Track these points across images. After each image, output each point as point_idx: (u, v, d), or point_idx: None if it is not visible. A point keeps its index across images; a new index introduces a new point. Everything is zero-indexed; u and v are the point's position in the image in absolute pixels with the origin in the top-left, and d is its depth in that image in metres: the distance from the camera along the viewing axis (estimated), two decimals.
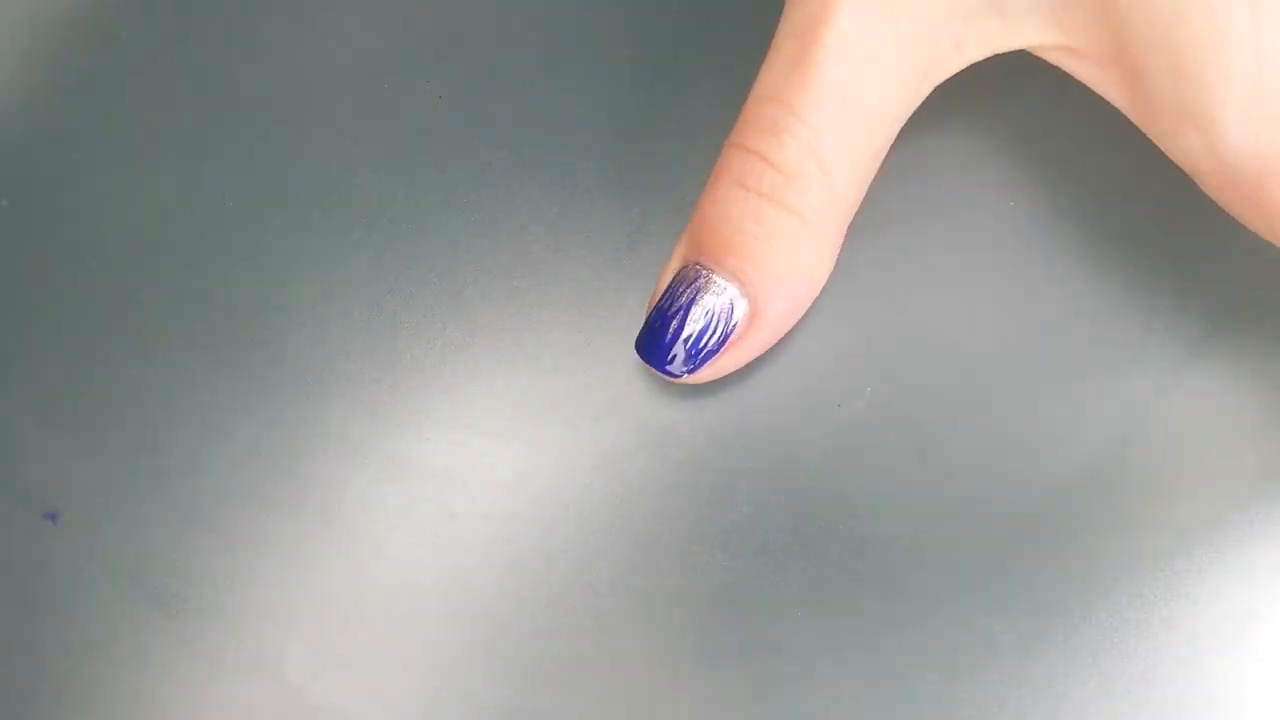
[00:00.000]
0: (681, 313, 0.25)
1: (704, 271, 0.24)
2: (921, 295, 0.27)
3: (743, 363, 0.26)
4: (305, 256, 0.28)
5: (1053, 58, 0.24)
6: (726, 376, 0.26)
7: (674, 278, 0.25)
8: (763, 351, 0.26)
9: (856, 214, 0.25)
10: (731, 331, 0.25)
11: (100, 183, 0.29)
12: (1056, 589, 0.26)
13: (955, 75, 0.24)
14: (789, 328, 0.26)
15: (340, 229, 0.29)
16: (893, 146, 0.25)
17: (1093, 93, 0.24)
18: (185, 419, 0.27)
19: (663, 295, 0.25)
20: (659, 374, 0.25)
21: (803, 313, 0.26)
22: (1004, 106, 0.28)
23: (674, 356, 0.25)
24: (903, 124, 0.24)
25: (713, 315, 0.24)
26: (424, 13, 0.30)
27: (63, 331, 0.28)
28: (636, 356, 0.25)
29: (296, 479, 0.27)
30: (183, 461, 0.27)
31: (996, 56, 0.24)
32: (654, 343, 0.25)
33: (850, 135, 0.23)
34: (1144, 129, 0.24)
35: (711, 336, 0.25)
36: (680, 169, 0.28)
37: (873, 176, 0.25)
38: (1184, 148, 0.23)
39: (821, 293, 0.26)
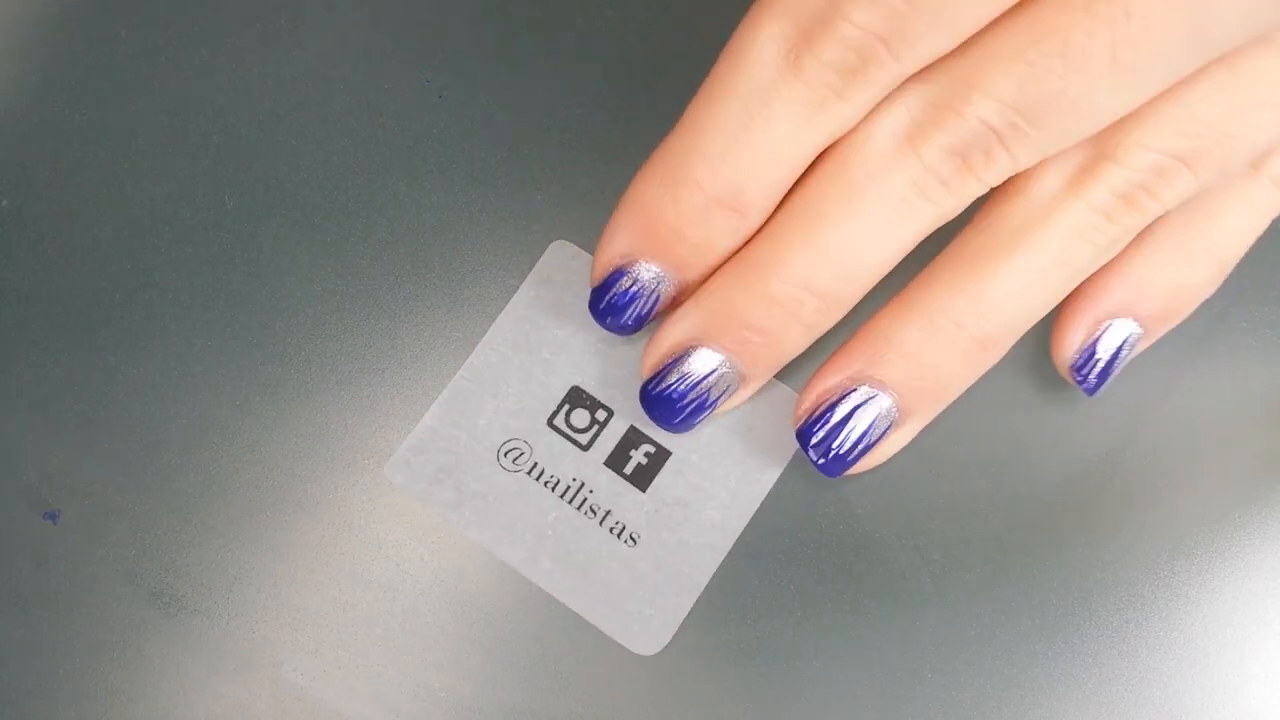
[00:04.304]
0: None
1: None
2: None
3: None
4: (305, 256, 0.28)
5: None
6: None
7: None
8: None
9: None
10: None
11: (100, 183, 0.29)
12: (1056, 589, 0.26)
13: None
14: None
15: (340, 229, 0.29)
16: None
17: None
18: (185, 419, 0.27)
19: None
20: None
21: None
22: None
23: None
24: None
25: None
26: (424, 12, 0.30)
27: (63, 331, 0.28)
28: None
29: (296, 479, 0.27)
30: (183, 461, 0.27)
31: None
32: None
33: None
34: None
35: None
36: None
37: None
38: None
39: None
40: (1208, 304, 0.28)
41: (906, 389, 0.24)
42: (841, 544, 0.27)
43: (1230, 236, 0.25)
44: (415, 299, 0.28)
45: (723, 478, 0.26)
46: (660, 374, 0.25)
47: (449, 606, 0.26)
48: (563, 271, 0.28)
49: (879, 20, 0.21)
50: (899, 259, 0.24)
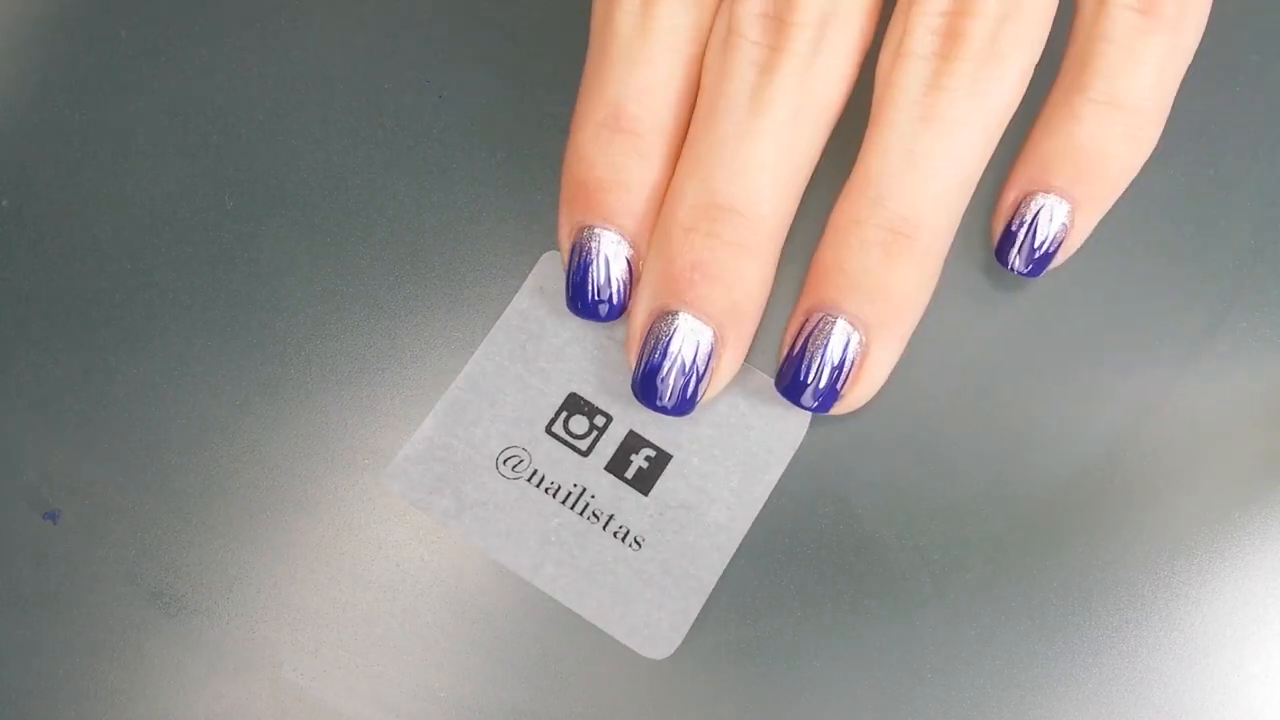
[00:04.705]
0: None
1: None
2: None
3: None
4: (305, 256, 0.28)
5: None
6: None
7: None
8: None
9: None
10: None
11: (100, 183, 0.29)
12: (1056, 589, 0.26)
13: None
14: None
15: (340, 229, 0.29)
16: None
17: None
18: (185, 419, 0.27)
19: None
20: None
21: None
22: None
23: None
24: None
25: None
26: (424, 12, 0.30)
27: (63, 331, 0.28)
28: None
29: (296, 479, 0.27)
30: (183, 461, 0.27)
31: None
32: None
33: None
34: None
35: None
36: None
37: None
38: None
39: None
40: (1207, 304, 0.28)
41: (855, 304, 0.25)
42: (841, 544, 0.27)
43: (1125, 82, 0.25)
44: (415, 299, 0.28)
45: (725, 478, 0.26)
46: (640, 358, 0.25)
47: (449, 606, 0.26)
48: (555, 281, 0.28)
49: None
50: (790, 153, 0.24)
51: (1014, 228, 0.26)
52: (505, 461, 0.26)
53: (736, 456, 0.26)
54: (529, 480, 0.26)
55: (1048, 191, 0.26)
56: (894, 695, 0.26)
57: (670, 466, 0.26)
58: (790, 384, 0.25)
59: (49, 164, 0.29)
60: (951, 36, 0.23)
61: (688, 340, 0.25)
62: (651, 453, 0.26)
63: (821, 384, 0.25)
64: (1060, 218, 0.26)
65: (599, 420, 0.27)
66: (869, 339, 0.25)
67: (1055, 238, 0.26)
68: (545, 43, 0.30)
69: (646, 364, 0.25)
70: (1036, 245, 0.26)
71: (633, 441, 0.27)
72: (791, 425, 0.27)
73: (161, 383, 0.27)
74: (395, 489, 0.26)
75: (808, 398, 0.25)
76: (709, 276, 0.24)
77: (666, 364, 0.25)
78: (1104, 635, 0.26)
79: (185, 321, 0.28)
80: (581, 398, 0.27)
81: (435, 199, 0.29)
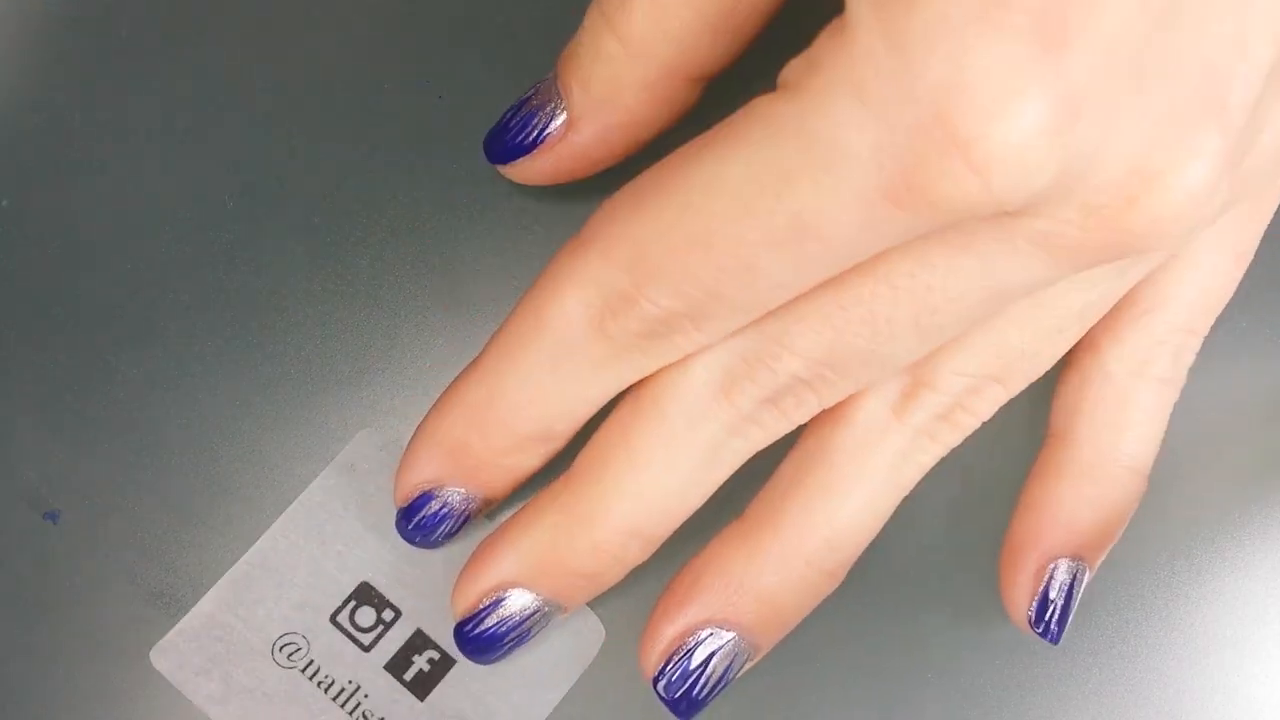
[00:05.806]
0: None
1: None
2: None
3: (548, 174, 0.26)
4: (305, 256, 0.28)
5: None
6: None
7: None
8: (568, 169, 0.26)
9: None
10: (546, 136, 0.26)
11: (100, 183, 0.29)
12: None
13: None
14: (598, 160, 0.26)
15: (340, 229, 0.29)
16: None
17: None
18: (185, 419, 0.27)
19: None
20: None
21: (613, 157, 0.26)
22: None
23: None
24: None
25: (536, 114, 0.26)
26: (424, 13, 0.30)
27: (63, 331, 0.28)
28: None
29: (296, 479, 0.27)
30: (183, 461, 0.27)
31: None
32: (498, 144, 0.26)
33: None
34: None
35: (527, 133, 0.25)
36: None
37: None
38: None
39: None
40: None
41: (760, 629, 0.24)
42: None
43: (1138, 445, 0.25)
44: (415, 298, 0.28)
45: (506, 692, 0.25)
46: (478, 616, 0.24)
47: None
48: (367, 461, 0.27)
49: (680, 304, 0.21)
50: (714, 490, 0.24)
51: (1052, 597, 0.25)
52: (282, 648, 0.25)
53: (521, 671, 0.25)
54: (303, 671, 0.25)
55: (1074, 558, 0.25)
56: (894, 695, 0.26)
57: (452, 673, 0.25)
58: (676, 691, 0.24)
59: (49, 164, 0.29)
60: (949, 425, 0.24)
61: (540, 622, 0.24)
62: (435, 655, 0.25)
63: (709, 699, 0.24)
64: (1085, 581, 0.25)
65: (387, 614, 0.26)
66: (754, 655, 0.24)
67: (1078, 600, 0.25)
68: (545, 43, 0.30)
69: (486, 630, 0.24)
70: (1070, 611, 0.25)
71: (418, 641, 0.25)
72: (585, 645, 0.26)
73: (161, 383, 0.27)
74: (162, 667, 0.25)
75: (686, 706, 0.24)
76: (593, 585, 0.24)
77: (510, 637, 0.24)
78: (1104, 635, 0.26)
79: (185, 321, 0.28)
80: (374, 588, 0.26)
81: (435, 199, 0.29)
